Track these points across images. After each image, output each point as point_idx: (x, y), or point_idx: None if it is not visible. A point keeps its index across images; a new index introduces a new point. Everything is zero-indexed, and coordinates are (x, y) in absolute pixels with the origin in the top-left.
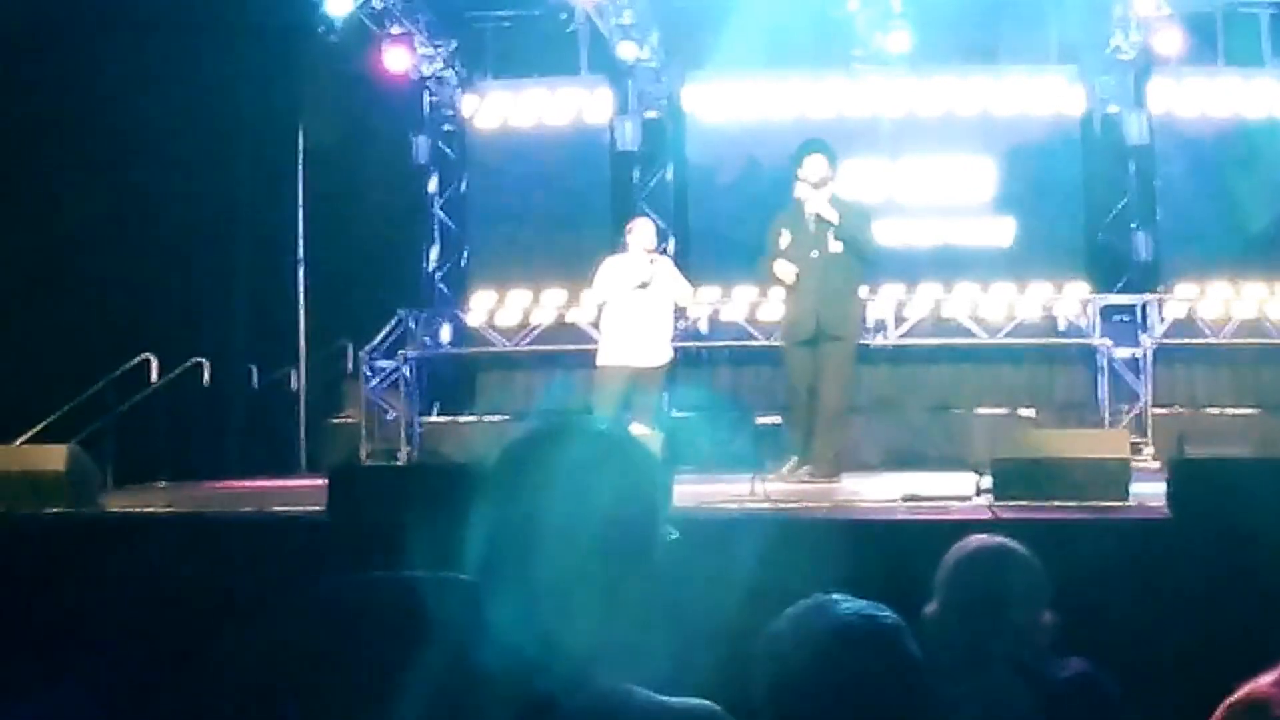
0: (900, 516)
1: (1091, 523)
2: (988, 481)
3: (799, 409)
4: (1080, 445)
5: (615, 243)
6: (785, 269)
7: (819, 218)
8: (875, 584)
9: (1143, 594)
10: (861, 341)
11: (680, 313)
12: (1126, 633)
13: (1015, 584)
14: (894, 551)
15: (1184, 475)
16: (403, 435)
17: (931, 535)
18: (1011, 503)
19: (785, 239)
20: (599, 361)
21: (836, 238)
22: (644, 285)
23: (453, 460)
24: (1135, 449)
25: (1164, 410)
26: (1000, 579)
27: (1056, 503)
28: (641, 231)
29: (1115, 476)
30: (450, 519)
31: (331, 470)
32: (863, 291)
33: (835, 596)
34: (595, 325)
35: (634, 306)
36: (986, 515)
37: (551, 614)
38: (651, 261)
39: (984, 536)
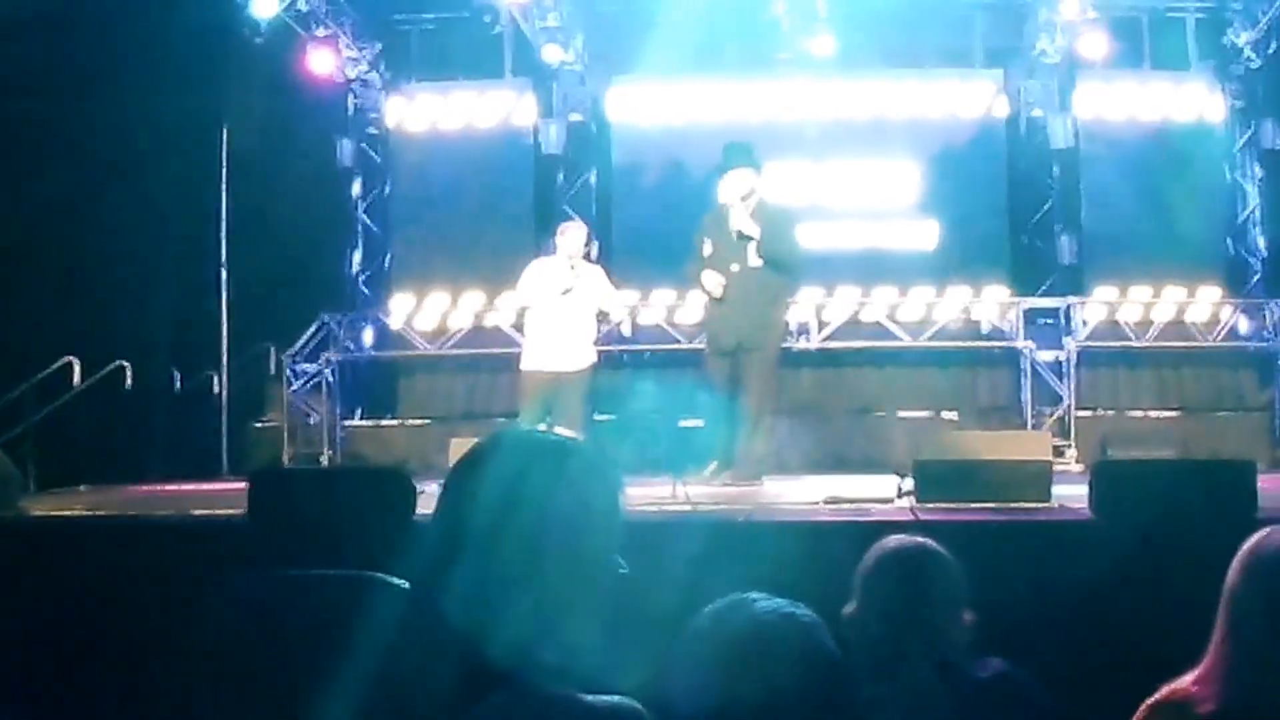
0: (822, 518)
1: (1013, 524)
2: (910, 484)
3: (720, 415)
4: (1002, 447)
5: (539, 246)
6: (712, 280)
7: (740, 233)
8: (796, 585)
9: (1064, 595)
10: (785, 345)
11: (604, 316)
12: (1048, 633)
13: (933, 583)
14: (815, 552)
15: (1105, 477)
16: (325, 439)
17: (853, 536)
18: (933, 504)
19: (708, 247)
20: (522, 366)
21: (758, 254)
22: (566, 292)
23: (375, 463)
24: (1058, 451)
25: (1087, 413)
26: (918, 579)
27: (978, 504)
28: (571, 236)
29: (1037, 478)
30: (372, 522)
31: (252, 473)
32: (788, 301)
33: (753, 595)
34: (518, 328)
35: (556, 311)
36: (908, 517)
37: (482, 612)
38: (573, 267)
39: (902, 537)
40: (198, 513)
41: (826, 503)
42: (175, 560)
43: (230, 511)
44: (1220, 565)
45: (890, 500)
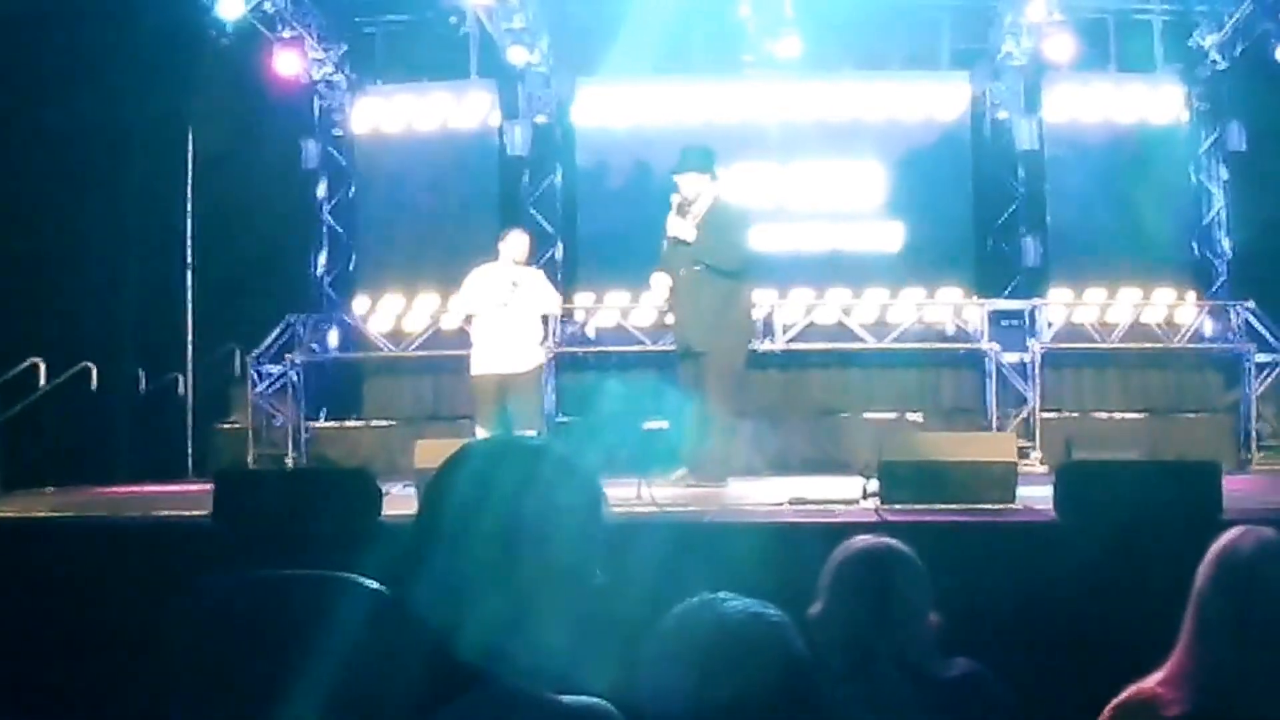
0: (786, 519)
1: (978, 525)
2: (875, 485)
3: (685, 417)
4: (967, 448)
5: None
6: (657, 283)
7: (677, 239)
8: (761, 586)
9: (1029, 596)
10: (749, 347)
11: (554, 318)
12: (1013, 634)
13: (899, 584)
14: (780, 553)
15: (1070, 478)
16: (290, 440)
17: (818, 537)
18: (899, 505)
19: (666, 250)
20: (471, 371)
21: (695, 261)
22: (503, 305)
23: (339, 465)
24: (1023, 453)
25: (1052, 414)
26: (884, 579)
27: (944, 506)
28: (514, 243)
29: (1002, 479)
30: (337, 523)
31: (217, 474)
32: (749, 297)
33: (722, 595)
34: (464, 333)
35: (500, 316)
36: (873, 518)
37: (452, 611)
38: (515, 284)
39: (868, 537)
40: (163, 514)
41: (791, 503)
42: (140, 562)
43: (195, 513)
44: (1186, 566)
45: (855, 501)
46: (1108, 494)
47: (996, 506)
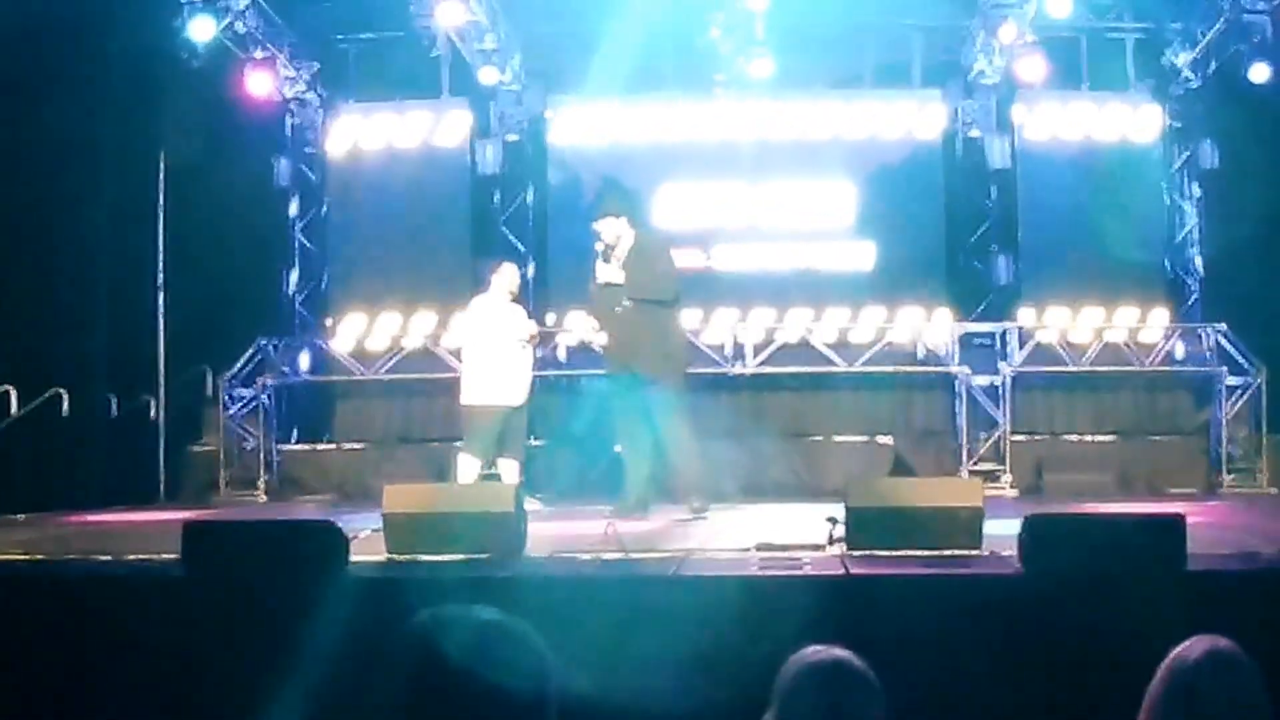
0: (753, 572)
1: (942, 579)
2: (841, 529)
3: (628, 449)
4: (933, 494)
5: (475, 266)
6: (582, 325)
7: (609, 283)
8: (726, 642)
9: (994, 649)
10: (720, 370)
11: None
12: (977, 688)
13: (851, 701)
14: (747, 610)
15: (1035, 530)
16: (261, 463)
17: (784, 593)
18: (864, 552)
19: (594, 293)
20: (468, 400)
21: (628, 297)
22: (525, 344)
23: (306, 519)
24: (993, 477)
25: (1022, 437)
26: (837, 696)
27: (909, 551)
28: (510, 275)
29: (968, 525)
30: (305, 574)
31: (185, 525)
32: (681, 323)
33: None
34: (454, 353)
35: (503, 347)
36: (839, 570)
37: None
38: (532, 336)
39: (821, 649)
40: (134, 558)
41: (758, 549)
42: (111, 610)
43: (166, 556)
44: (1149, 621)
45: (822, 547)
46: (1072, 547)
47: (963, 553)
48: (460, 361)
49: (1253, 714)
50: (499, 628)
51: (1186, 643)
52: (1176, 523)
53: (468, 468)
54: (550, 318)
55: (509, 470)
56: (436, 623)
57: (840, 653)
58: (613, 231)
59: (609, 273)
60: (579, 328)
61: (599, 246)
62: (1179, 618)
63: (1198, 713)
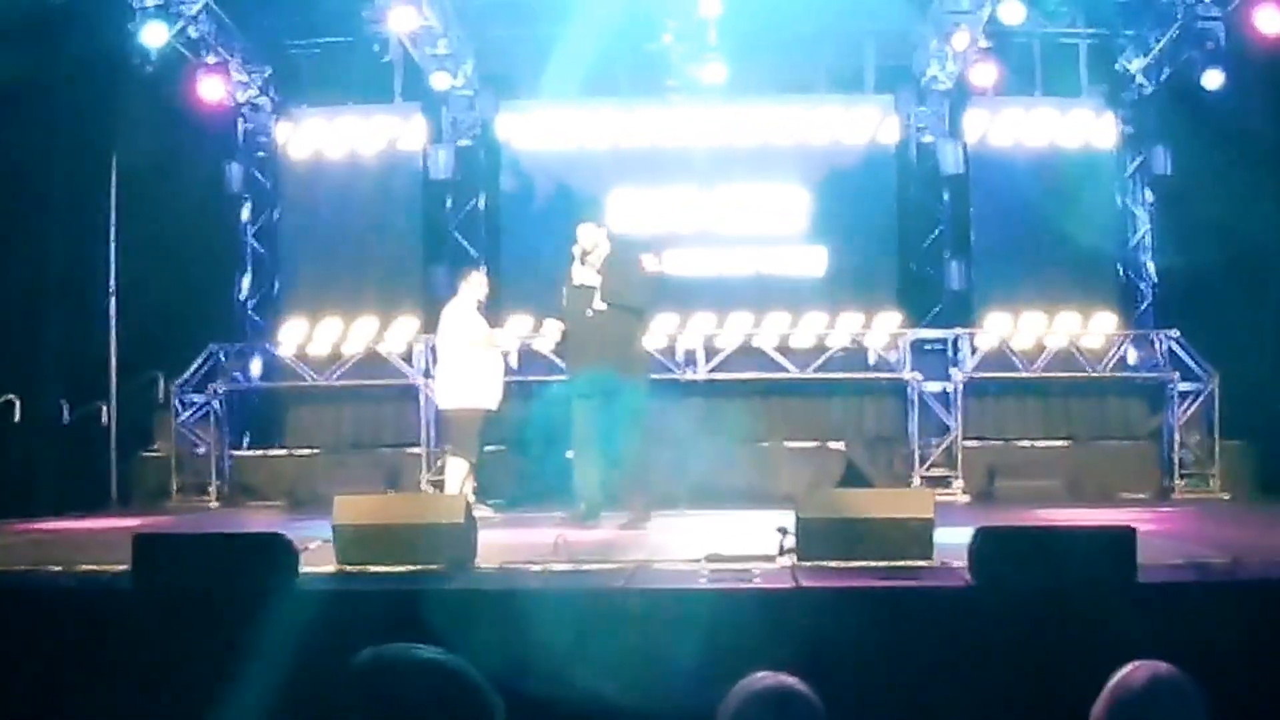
0: (703, 584)
1: (893, 590)
2: (791, 540)
3: (582, 455)
4: (884, 504)
5: (427, 271)
6: (550, 328)
7: (584, 285)
8: (676, 656)
9: (945, 662)
10: (673, 377)
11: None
12: (928, 701)
13: None
14: (698, 623)
15: (986, 544)
16: (213, 469)
17: (734, 606)
18: (815, 562)
19: (566, 297)
20: (455, 404)
21: (601, 300)
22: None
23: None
24: (945, 482)
25: (974, 443)
26: None
27: (860, 563)
28: (478, 283)
29: (919, 535)
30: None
31: (135, 538)
32: (647, 337)
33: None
34: (406, 359)
35: (484, 355)
36: (789, 583)
37: None
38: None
39: (767, 675)
40: (84, 568)
41: (708, 560)
42: (61, 622)
43: (117, 567)
44: (1100, 633)
45: (772, 558)
46: (1023, 559)
47: (913, 564)
48: (436, 366)
49: None
50: (441, 670)
51: (1128, 667)
52: (1127, 536)
53: (457, 471)
54: (503, 323)
55: (456, 470)
56: (378, 665)
57: (786, 679)
58: (591, 238)
59: (584, 275)
60: (554, 332)
61: (576, 250)
62: (1130, 630)
63: None
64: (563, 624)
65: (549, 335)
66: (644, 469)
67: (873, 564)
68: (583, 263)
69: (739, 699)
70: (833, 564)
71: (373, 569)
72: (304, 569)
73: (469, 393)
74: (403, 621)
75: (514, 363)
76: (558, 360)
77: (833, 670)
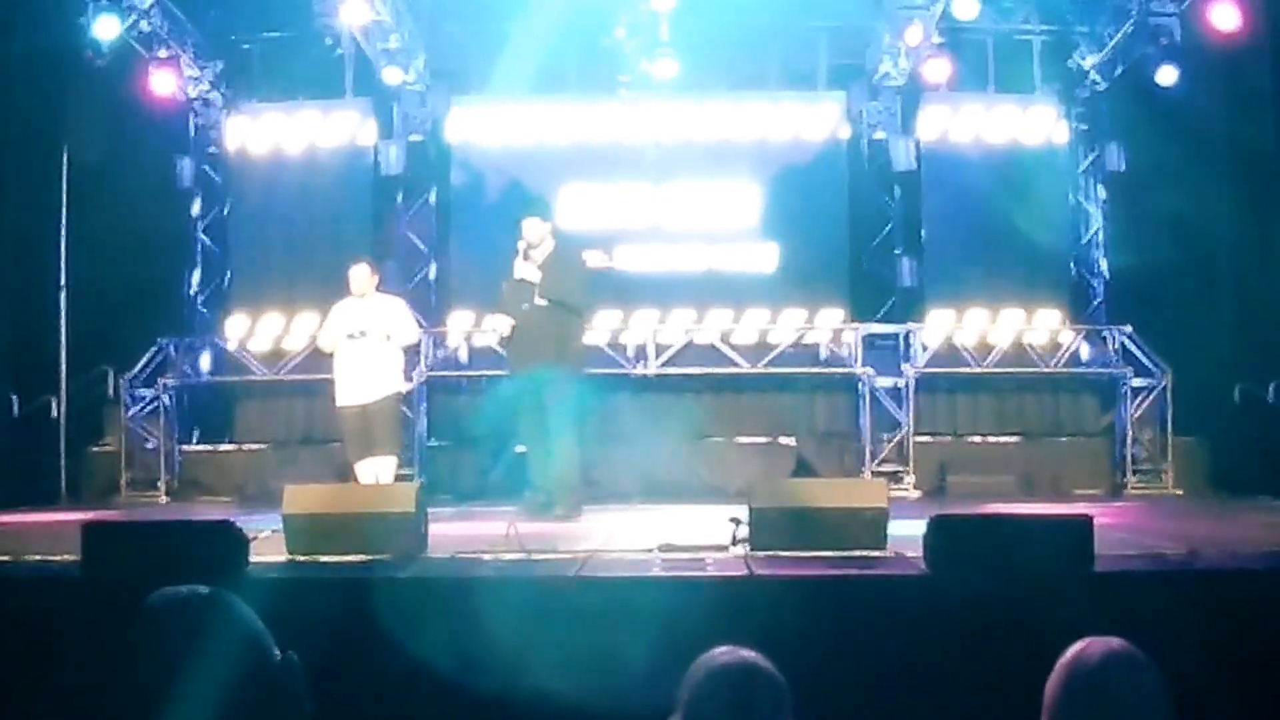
0: (656, 573)
1: (847, 580)
2: (744, 530)
3: (532, 447)
4: (838, 494)
5: (378, 267)
6: (500, 323)
7: (523, 280)
8: (629, 644)
9: (899, 651)
10: (622, 371)
11: (425, 341)
12: (883, 689)
13: (759, 704)
14: (651, 610)
15: (941, 532)
16: (163, 464)
17: (687, 594)
18: (768, 553)
19: (505, 290)
20: (336, 404)
21: (540, 296)
22: (354, 336)
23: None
24: (896, 478)
25: (926, 438)
26: (744, 699)
27: (814, 553)
28: (354, 278)
29: (872, 525)
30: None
31: (84, 526)
32: (583, 328)
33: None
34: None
35: (356, 348)
36: (742, 570)
37: None
38: (361, 326)
39: (728, 651)
40: (32, 558)
41: (661, 550)
42: (8, 612)
43: (66, 557)
44: (1057, 621)
45: (725, 548)
46: (979, 547)
47: (868, 554)
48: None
49: (1156, 713)
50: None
51: (1081, 643)
52: (1084, 524)
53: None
54: (452, 319)
55: (390, 471)
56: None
57: (747, 654)
58: (538, 232)
59: (525, 270)
60: (503, 327)
61: (520, 244)
62: (1086, 619)
63: (1104, 713)
64: (515, 613)
65: (500, 329)
66: (575, 465)
67: (827, 554)
68: (525, 257)
69: (700, 674)
70: (786, 554)
71: (323, 558)
72: (254, 558)
73: (337, 391)
74: (353, 611)
75: (463, 357)
76: (505, 355)
77: (788, 658)
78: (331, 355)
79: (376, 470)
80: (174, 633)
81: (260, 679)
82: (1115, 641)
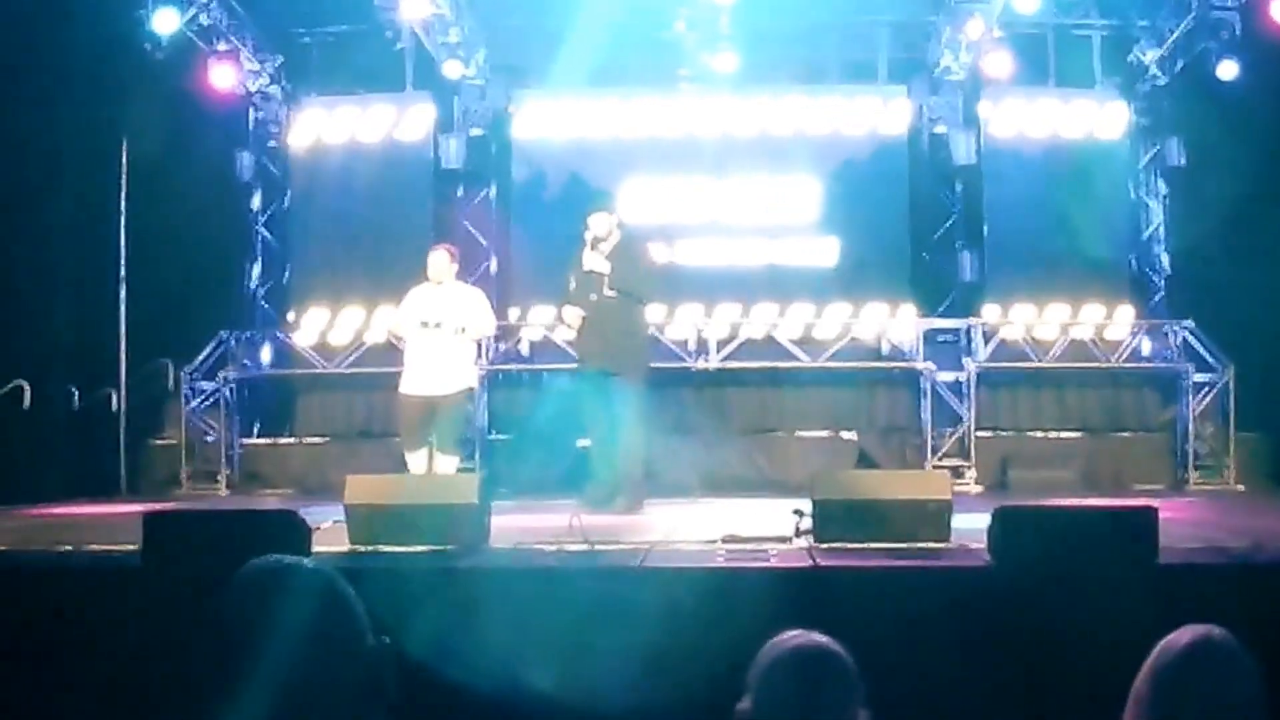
0: (719, 564)
1: (912, 570)
2: (808, 522)
3: (597, 440)
4: (901, 486)
5: (457, 253)
6: (571, 315)
7: (592, 271)
8: (694, 632)
9: (964, 642)
10: (683, 366)
11: (489, 339)
12: (948, 680)
13: (830, 687)
14: (715, 601)
15: (1005, 523)
16: (223, 457)
17: (751, 585)
18: (832, 544)
19: (572, 282)
20: (400, 390)
21: (609, 287)
22: (428, 325)
23: (268, 509)
24: (958, 473)
25: (987, 433)
26: (814, 682)
27: (878, 544)
28: (433, 264)
29: (936, 517)
30: None
31: (145, 515)
32: (647, 325)
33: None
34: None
35: (427, 337)
36: (806, 561)
37: None
38: (437, 315)
39: (799, 634)
40: (94, 548)
41: (724, 541)
42: (70, 601)
43: (127, 547)
44: (1120, 613)
45: (788, 539)
46: (1042, 539)
47: (931, 545)
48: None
49: (1246, 703)
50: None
51: (1167, 640)
52: (1148, 515)
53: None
54: (513, 313)
55: (448, 468)
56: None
57: (818, 638)
58: (605, 225)
59: (593, 261)
60: (573, 319)
61: (588, 236)
62: (1150, 610)
63: (1189, 701)
64: (577, 603)
65: (571, 322)
66: (639, 458)
67: (890, 545)
68: (593, 249)
69: (772, 656)
70: (850, 545)
71: (385, 549)
72: (316, 548)
73: (403, 379)
74: (415, 601)
75: (524, 350)
76: (569, 349)
77: (853, 649)
78: (398, 344)
79: (438, 468)
80: (265, 598)
81: (349, 658)
82: (1202, 629)
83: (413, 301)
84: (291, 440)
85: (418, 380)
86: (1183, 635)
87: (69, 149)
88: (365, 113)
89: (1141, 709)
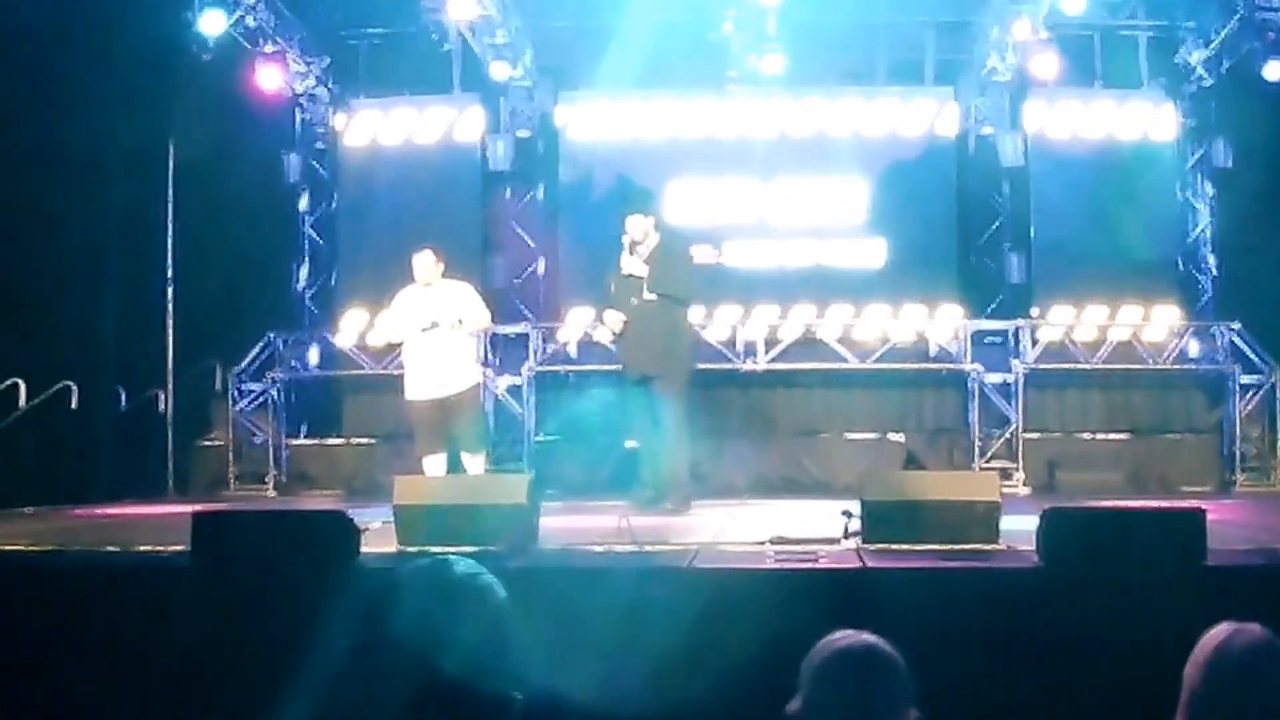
0: (768, 565)
1: (961, 571)
2: (856, 523)
3: (644, 443)
4: (950, 487)
5: (485, 263)
6: (612, 319)
7: (632, 275)
8: (743, 634)
9: (1014, 643)
10: (731, 367)
11: (486, 335)
12: (997, 681)
13: (881, 687)
14: (764, 603)
15: (1054, 524)
16: (271, 458)
17: (800, 586)
18: (880, 545)
19: (613, 286)
20: (406, 397)
21: (648, 290)
22: (427, 329)
23: (317, 509)
24: (1005, 475)
25: (1035, 435)
26: (866, 682)
27: (926, 545)
28: (419, 266)
29: (985, 519)
30: (314, 564)
31: (195, 515)
32: (691, 327)
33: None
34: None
35: (427, 339)
36: (855, 563)
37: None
38: (434, 315)
39: (850, 634)
40: (142, 549)
41: (773, 543)
42: (119, 601)
43: (176, 547)
44: (1169, 614)
45: (837, 540)
46: (1091, 540)
47: (980, 547)
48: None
49: None
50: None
51: (1218, 633)
52: (1196, 516)
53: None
54: (564, 314)
55: (475, 468)
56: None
57: (869, 638)
58: (641, 228)
59: (632, 264)
60: (615, 323)
61: (625, 240)
62: (1199, 611)
63: (1251, 701)
64: (626, 604)
65: (613, 325)
66: (685, 460)
67: (939, 546)
68: (631, 252)
69: (822, 656)
70: (899, 546)
71: (434, 549)
72: (364, 549)
73: (407, 384)
74: None
75: (572, 351)
76: (611, 347)
77: (903, 650)
78: (402, 346)
79: (467, 469)
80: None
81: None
82: (1252, 628)
83: (403, 304)
84: (339, 441)
85: (424, 384)
86: (1235, 636)
87: (116, 150)
88: (412, 115)
89: (1200, 708)
